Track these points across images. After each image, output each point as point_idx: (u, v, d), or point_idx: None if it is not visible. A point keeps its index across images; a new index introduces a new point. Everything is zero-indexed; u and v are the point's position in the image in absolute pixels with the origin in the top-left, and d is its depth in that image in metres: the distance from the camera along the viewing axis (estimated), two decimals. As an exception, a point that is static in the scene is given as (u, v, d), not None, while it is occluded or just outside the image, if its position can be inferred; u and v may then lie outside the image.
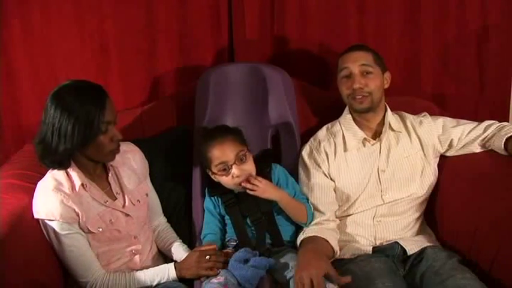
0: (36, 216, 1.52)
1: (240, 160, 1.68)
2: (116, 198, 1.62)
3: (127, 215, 1.62)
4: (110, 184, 1.63)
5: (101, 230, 1.56)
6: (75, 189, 1.53)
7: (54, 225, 1.51)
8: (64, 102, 1.46)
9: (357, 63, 1.75)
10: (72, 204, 1.51)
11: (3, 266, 1.36)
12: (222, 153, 1.67)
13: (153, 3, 2.10)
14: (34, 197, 1.54)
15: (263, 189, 1.67)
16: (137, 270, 1.63)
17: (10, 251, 1.40)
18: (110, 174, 1.63)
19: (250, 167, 1.70)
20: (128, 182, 1.66)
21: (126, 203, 1.63)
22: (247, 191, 1.68)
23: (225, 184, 1.71)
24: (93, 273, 1.55)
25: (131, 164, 1.69)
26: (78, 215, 1.52)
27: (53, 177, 1.54)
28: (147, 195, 1.72)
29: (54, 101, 1.48)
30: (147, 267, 1.65)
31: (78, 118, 1.44)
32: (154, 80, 2.18)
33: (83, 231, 1.54)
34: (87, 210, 1.54)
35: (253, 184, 1.66)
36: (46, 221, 1.51)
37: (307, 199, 1.78)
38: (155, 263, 1.69)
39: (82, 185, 1.54)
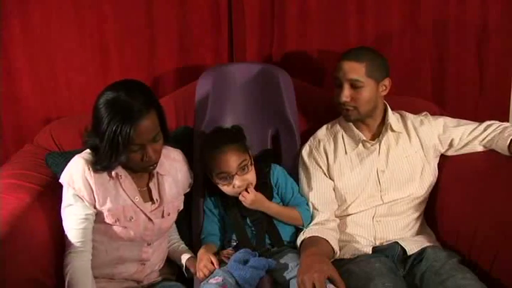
0: (60, 179, 1.55)
1: (242, 170, 1.68)
2: (149, 202, 1.61)
3: (150, 219, 1.60)
4: (149, 188, 1.61)
5: (117, 223, 1.55)
6: (109, 175, 1.53)
7: (70, 191, 1.52)
8: (101, 113, 1.45)
9: (347, 75, 1.71)
10: (97, 185, 1.51)
11: (3, 265, 1.36)
12: (224, 164, 1.66)
13: (153, 3, 2.10)
14: (69, 163, 1.56)
15: (251, 201, 1.68)
16: (140, 281, 1.64)
17: (10, 251, 1.40)
18: (151, 181, 1.61)
19: (251, 176, 1.70)
20: (169, 193, 1.64)
21: (157, 211, 1.61)
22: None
23: (225, 192, 1.71)
24: (79, 248, 1.51)
25: (176, 175, 1.67)
26: (94, 194, 1.52)
27: (91, 154, 1.54)
28: (178, 210, 1.70)
29: (97, 105, 1.47)
30: (151, 276, 1.66)
31: (109, 134, 1.43)
32: (154, 80, 2.18)
33: (99, 218, 1.54)
34: (112, 198, 1.54)
35: (242, 195, 1.68)
36: (66, 184, 1.53)
37: (307, 200, 1.78)
38: (158, 272, 1.70)
39: (117, 174, 1.54)
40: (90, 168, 1.51)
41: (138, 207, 1.58)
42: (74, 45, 2.10)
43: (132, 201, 1.57)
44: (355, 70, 1.71)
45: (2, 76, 2.08)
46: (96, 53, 2.12)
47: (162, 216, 1.63)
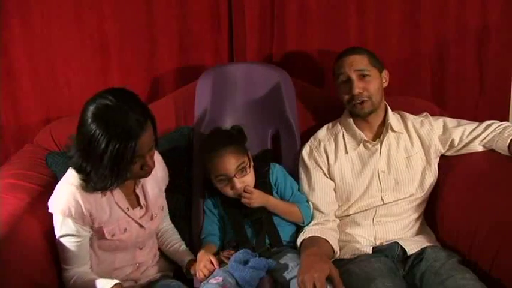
0: (51, 210, 1.49)
1: (240, 173, 1.68)
2: (136, 207, 1.60)
3: (141, 226, 1.60)
4: (136, 195, 1.60)
5: (113, 237, 1.54)
6: (103, 192, 1.49)
7: (66, 221, 1.47)
8: (96, 133, 1.34)
9: (352, 67, 1.74)
10: (91, 207, 1.48)
11: (2, 266, 1.36)
12: (222, 166, 1.66)
13: (153, 3, 2.10)
14: (56, 189, 1.50)
15: (254, 199, 1.68)
16: (138, 279, 1.64)
17: (9, 251, 1.40)
18: (138, 187, 1.60)
19: (250, 178, 1.71)
20: (152, 193, 1.63)
21: (146, 216, 1.61)
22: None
23: (224, 193, 1.72)
24: (79, 265, 1.52)
25: (156, 173, 1.64)
26: (92, 218, 1.49)
27: (80, 175, 1.47)
28: (162, 209, 1.70)
29: (86, 124, 1.36)
30: (148, 273, 1.67)
31: (110, 149, 1.34)
32: (154, 80, 2.18)
33: (95, 234, 1.53)
34: (107, 214, 1.51)
35: (243, 197, 1.68)
36: (60, 216, 1.48)
37: (307, 199, 1.78)
38: (156, 268, 1.70)
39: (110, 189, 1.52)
40: (82, 193, 1.46)
41: (130, 217, 1.57)
42: (74, 45, 2.10)
43: (124, 212, 1.56)
44: (359, 61, 1.75)
45: (2, 76, 2.08)
46: (96, 53, 2.12)
47: (151, 219, 1.63)
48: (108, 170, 1.38)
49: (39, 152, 1.88)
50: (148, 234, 1.64)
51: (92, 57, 2.12)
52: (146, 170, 1.49)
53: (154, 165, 1.51)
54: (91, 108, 1.37)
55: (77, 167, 1.44)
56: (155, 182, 1.65)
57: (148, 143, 1.42)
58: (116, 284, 1.44)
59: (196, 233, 1.83)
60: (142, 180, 1.60)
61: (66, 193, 1.47)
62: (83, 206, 1.46)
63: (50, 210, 1.49)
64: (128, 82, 2.15)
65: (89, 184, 1.44)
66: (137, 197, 1.60)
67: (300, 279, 1.46)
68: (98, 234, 1.53)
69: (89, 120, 1.36)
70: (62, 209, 1.46)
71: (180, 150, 1.94)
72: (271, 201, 1.74)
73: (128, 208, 1.56)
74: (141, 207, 1.60)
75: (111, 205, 1.52)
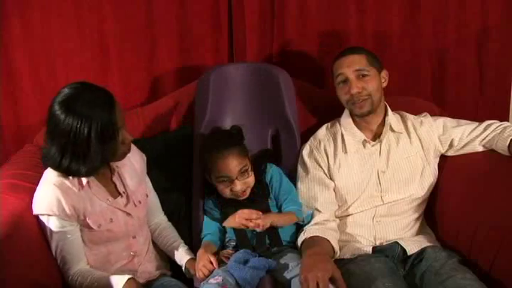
0: (35, 211, 1.51)
1: (241, 175, 1.68)
2: (118, 196, 1.61)
3: (128, 214, 1.62)
4: (113, 183, 1.61)
5: (100, 227, 1.55)
6: (80, 185, 1.52)
7: (52, 220, 1.50)
8: (75, 114, 1.40)
9: (351, 68, 1.74)
10: (72, 201, 1.50)
11: (3, 266, 1.36)
12: (224, 167, 1.66)
13: (153, 3, 2.11)
14: (36, 191, 1.53)
15: (264, 224, 1.63)
16: (135, 271, 1.64)
17: (10, 251, 1.40)
18: (114, 175, 1.61)
19: (250, 180, 1.71)
20: (131, 183, 1.65)
21: (129, 203, 1.62)
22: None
23: (223, 194, 1.72)
24: (75, 262, 1.54)
25: (132, 163, 1.68)
26: (76, 212, 1.51)
27: (56, 172, 1.51)
28: (147, 196, 1.71)
29: (64, 112, 1.41)
30: (145, 268, 1.67)
31: (94, 129, 1.40)
32: (154, 80, 2.18)
33: (84, 227, 1.54)
34: (89, 206, 1.53)
35: (256, 223, 1.62)
36: (45, 216, 1.50)
37: (303, 201, 1.78)
38: (153, 264, 1.71)
39: (87, 182, 1.53)
40: (63, 189, 1.49)
41: (113, 206, 1.59)
42: (74, 45, 2.10)
43: (106, 203, 1.57)
44: (358, 61, 1.75)
45: (2, 76, 2.08)
46: (96, 53, 2.12)
47: (135, 206, 1.64)
48: (98, 149, 1.42)
49: (39, 152, 1.87)
50: (138, 221, 1.65)
51: (92, 57, 2.12)
52: (126, 144, 1.52)
53: (132, 137, 1.54)
54: (57, 105, 1.42)
55: (55, 165, 1.47)
56: (134, 173, 1.67)
57: (121, 115, 1.48)
58: (129, 279, 1.48)
59: (196, 233, 1.83)
60: (117, 168, 1.61)
61: (47, 193, 1.50)
62: (64, 202, 1.49)
63: (34, 213, 1.51)
64: (128, 82, 2.15)
65: (78, 171, 1.46)
66: (115, 184, 1.61)
67: (303, 277, 1.46)
68: (85, 226, 1.55)
69: (62, 116, 1.40)
70: (45, 209, 1.49)
71: (180, 150, 1.94)
72: (273, 218, 1.69)
73: (108, 199, 1.58)
74: (121, 196, 1.62)
75: (90, 197, 1.54)
